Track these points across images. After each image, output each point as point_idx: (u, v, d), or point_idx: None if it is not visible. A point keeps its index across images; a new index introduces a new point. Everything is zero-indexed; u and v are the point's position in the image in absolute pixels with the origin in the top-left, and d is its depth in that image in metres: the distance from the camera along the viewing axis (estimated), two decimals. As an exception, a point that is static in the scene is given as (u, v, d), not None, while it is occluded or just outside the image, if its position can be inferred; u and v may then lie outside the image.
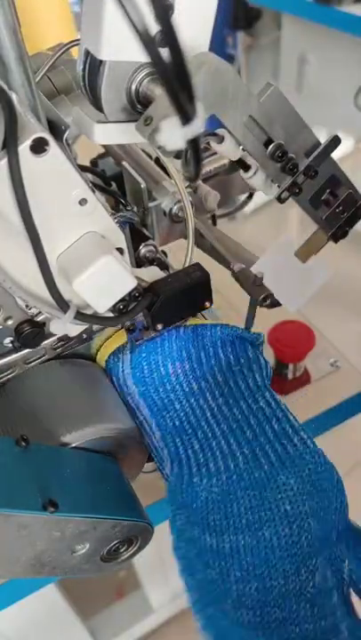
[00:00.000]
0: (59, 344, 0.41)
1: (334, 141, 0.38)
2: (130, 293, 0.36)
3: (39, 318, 0.37)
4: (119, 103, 0.34)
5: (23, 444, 0.33)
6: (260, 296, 0.43)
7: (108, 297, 0.34)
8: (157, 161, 0.50)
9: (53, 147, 0.29)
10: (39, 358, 0.40)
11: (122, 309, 0.36)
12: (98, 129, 0.35)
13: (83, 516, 0.33)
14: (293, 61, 1.72)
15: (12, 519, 0.30)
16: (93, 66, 0.33)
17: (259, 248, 0.47)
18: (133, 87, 0.33)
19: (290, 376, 0.64)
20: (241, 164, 0.39)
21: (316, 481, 0.34)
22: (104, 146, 0.55)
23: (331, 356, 0.67)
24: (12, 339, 0.38)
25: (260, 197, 0.53)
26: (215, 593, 0.31)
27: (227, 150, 0.37)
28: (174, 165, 0.46)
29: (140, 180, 0.47)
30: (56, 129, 0.33)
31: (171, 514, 0.35)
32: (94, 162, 0.55)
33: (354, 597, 0.34)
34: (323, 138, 0.38)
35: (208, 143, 0.38)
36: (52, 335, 0.39)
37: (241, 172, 0.40)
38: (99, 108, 0.34)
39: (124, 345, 0.41)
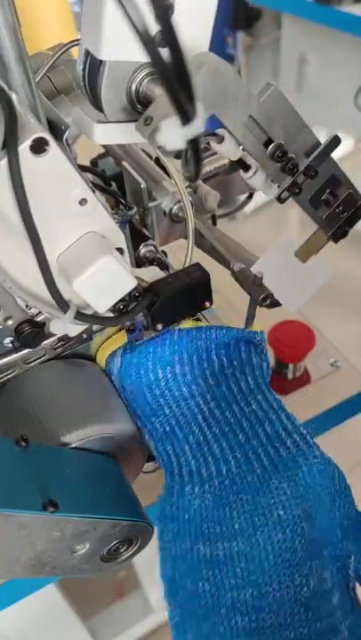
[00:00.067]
0: (59, 344, 0.41)
1: (334, 141, 0.38)
2: (130, 293, 0.36)
3: (39, 318, 0.37)
4: (119, 103, 0.34)
5: (23, 444, 0.33)
6: (260, 296, 0.43)
7: (108, 297, 0.34)
8: (157, 161, 0.50)
9: (53, 147, 0.29)
10: (39, 358, 0.40)
11: (122, 309, 0.36)
12: (98, 129, 0.35)
13: (83, 516, 0.33)
14: (293, 61, 1.71)
15: (12, 519, 0.30)
16: (93, 66, 0.33)
17: (259, 248, 0.47)
18: (133, 87, 0.33)
19: (290, 376, 0.64)
20: (241, 164, 0.39)
21: (311, 483, 0.34)
22: (104, 146, 0.55)
23: (331, 356, 0.66)
24: (11, 339, 0.38)
25: (260, 197, 0.53)
26: (202, 610, 0.32)
27: (227, 150, 0.37)
28: (174, 165, 0.46)
29: (140, 179, 0.47)
30: (56, 129, 0.33)
31: (158, 530, 0.35)
32: (94, 162, 0.55)
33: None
34: (323, 138, 0.38)
35: (208, 143, 0.38)
36: (52, 335, 0.39)
37: (241, 172, 0.40)
38: (99, 108, 0.34)
39: (121, 346, 0.41)
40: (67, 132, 0.33)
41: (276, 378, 0.63)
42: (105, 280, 0.33)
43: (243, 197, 0.60)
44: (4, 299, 0.35)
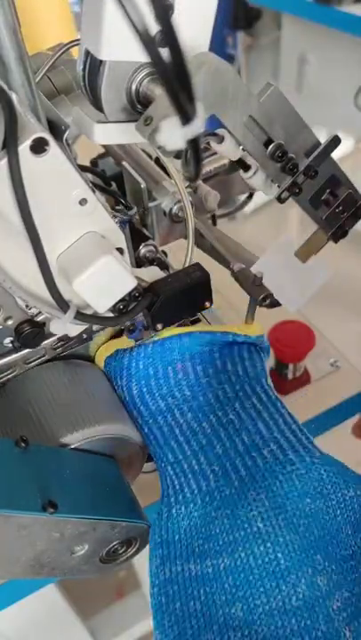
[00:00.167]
0: (59, 344, 0.41)
1: (334, 141, 0.38)
2: (130, 293, 0.36)
3: (39, 318, 0.37)
4: (119, 103, 0.34)
5: (23, 444, 0.33)
6: (260, 296, 0.43)
7: (108, 297, 0.34)
8: (157, 161, 0.50)
9: (53, 147, 0.28)
10: (39, 358, 0.40)
11: (122, 309, 0.36)
12: (98, 129, 0.35)
13: (82, 517, 0.33)
14: (293, 61, 1.71)
15: (11, 520, 0.30)
16: (93, 66, 0.32)
17: (259, 248, 0.47)
18: (133, 87, 0.33)
19: (290, 376, 0.64)
20: (241, 164, 0.39)
21: (290, 492, 0.34)
22: (104, 146, 0.54)
23: (331, 356, 0.66)
24: (12, 339, 0.38)
25: (260, 197, 0.53)
26: (194, 630, 0.32)
27: (227, 150, 0.37)
28: (174, 165, 0.46)
29: (140, 179, 0.47)
30: (56, 129, 0.33)
31: (150, 554, 0.35)
32: (94, 162, 0.55)
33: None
34: (323, 138, 0.38)
35: (208, 143, 0.38)
36: (52, 335, 0.39)
37: (241, 171, 0.40)
38: (99, 108, 0.34)
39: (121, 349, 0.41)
40: (67, 132, 0.33)
41: (276, 378, 0.63)
42: (105, 280, 0.33)
43: (243, 197, 0.60)
44: (4, 299, 0.35)
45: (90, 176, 0.52)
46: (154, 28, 0.20)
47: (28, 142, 0.28)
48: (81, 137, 0.46)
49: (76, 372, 0.41)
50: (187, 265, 0.42)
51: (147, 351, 0.41)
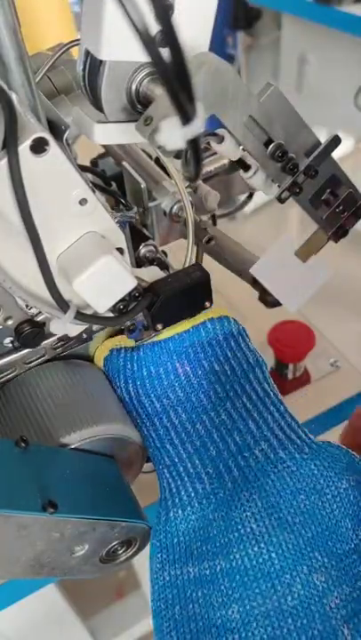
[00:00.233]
0: (59, 344, 0.41)
1: (334, 141, 0.38)
2: (130, 293, 0.36)
3: (39, 318, 0.37)
4: (119, 103, 0.34)
5: (23, 444, 0.33)
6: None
7: (108, 297, 0.34)
8: (157, 161, 0.50)
9: (53, 147, 0.28)
10: (39, 358, 0.40)
11: (122, 309, 0.36)
12: (98, 129, 0.35)
13: (82, 517, 0.33)
14: (293, 61, 1.71)
15: (11, 520, 0.30)
16: (93, 66, 0.32)
17: (259, 248, 0.47)
18: (133, 87, 0.33)
19: (290, 376, 0.64)
20: (241, 164, 0.39)
21: (282, 490, 0.34)
22: (104, 146, 0.54)
23: (331, 356, 0.66)
24: (11, 339, 0.38)
25: (260, 197, 0.53)
26: (193, 633, 0.32)
27: (227, 150, 0.37)
28: (174, 165, 0.46)
29: (140, 179, 0.47)
30: (56, 129, 0.33)
31: (150, 559, 0.35)
32: (94, 162, 0.55)
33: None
34: (323, 138, 0.38)
35: (208, 143, 0.38)
36: (52, 335, 0.39)
37: (241, 171, 0.40)
38: (99, 108, 0.34)
39: (116, 349, 0.41)
40: (67, 132, 0.33)
41: (276, 378, 0.63)
42: (105, 280, 0.33)
43: (243, 197, 0.60)
44: (4, 299, 0.35)
45: (90, 176, 0.52)
46: (154, 27, 0.20)
47: (28, 142, 0.28)
48: (81, 137, 0.46)
49: (76, 372, 0.41)
50: (187, 265, 0.42)
51: (140, 352, 0.41)
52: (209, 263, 0.48)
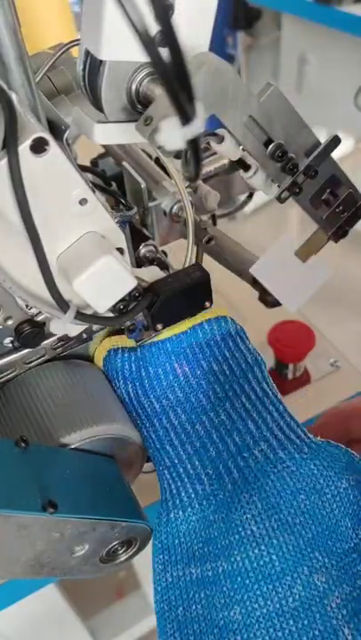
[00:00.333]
0: (59, 344, 0.41)
1: (334, 141, 0.38)
2: (130, 293, 0.36)
3: (39, 318, 0.37)
4: (119, 103, 0.34)
5: (23, 444, 0.33)
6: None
7: (108, 297, 0.34)
8: (157, 161, 0.50)
9: (53, 147, 0.28)
10: (39, 358, 0.40)
11: (122, 309, 0.36)
12: (98, 129, 0.35)
13: (82, 517, 0.33)
14: (293, 61, 1.72)
15: (11, 520, 0.30)
16: (93, 66, 0.32)
17: (259, 248, 0.47)
18: (133, 87, 0.33)
19: (290, 376, 0.64)
20: (241, 164, 0.39)
21: (283, 491, 0.34)
22: (104, 146, 0.54)
23: (331, 356, 0.66)
24: (12, 339, 0.38)
25: (260, 197, 0.53)
26: (195, 635, 0.32)
27: (227, 150, 0.37)
28: (174, 165, 0.46)
29: (140, 180, 0.47)
30: (56, 129, 0.33)
31: (152, 561, 0.35)
32: (94, 162, 0.55)
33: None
34: (323, 138, 0.38)
35: (208, 143, 0.38)
36: (52, 335, 0.39)
37: (241, 171, 0.40)
38: (99, 108, 0.34)
39: (113, 349, 0.41)
40: (67, 132, 0.33)
41: (276, 378, 0.63)
42: (105, 280, 0.33)
43: (243, 197, 0.60)
44: (4, 299, 0.35)
45: (90, 176, 0.52)
46: (154, 28, 0.20)
47: (28, 142, 0.28)
48: (81, 137, 0.46)
49: (76, 372, 0.41)
50: (187, 265, 0.42)
51: (138, 353, 0.41)
52: (209, 263, 0.48)
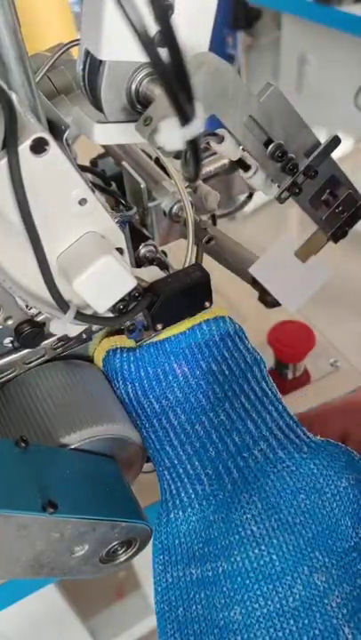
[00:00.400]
0: (59, 344, 0.41)
1: (334, 141, 0.38)
2: (130, 293, 0.36)
3: (39, 318, 0.37)
4: (119, 103, 0.34)
5: (23, 444, 0.33)
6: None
7: (108, 297, 0.34)
8: (157, 161, 0.50)
9: (53, 147, 0.28)
10: (39, 358, 0.40)
11: (122, 309, 0.36)
12: (98, 129, 0.35)
13: (82, 517, 0.33)
14: (293, 61, 1.72)
15: (11, 520, 0.30)
16: (93, 66, 0.32)
17: (259, 248, 0.47)
18: (133, 87, 0.33)
19: (290, 376, 0.64)
20: (241, 164, 0.39)
21: (285, 489, 0.34)
22: (104, 146, 0.54)
23: (331, 356, 0.67)
24: (11, 339, 0.38)
25: (260, 197, 0.53)
26: (196, 635, 0.32)
27: (227, 150, 0.37)
28: (174, 165, 0.46)
29: (140, 180, 0.47)
30: (56, 129, 0.33)
31: (152, 561, 0.35)
32: (94, 162, 0.55)
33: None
34: (323, 138, 0.38)
35: (208, 143, 0.38)
36: (51, 335, 0.39)
37: (241, 171, 0.40)
38: (99, 108, 0.34)
39: (112, 349, 0.41)
40: (67, 132, 0.33)
41: (276, 378, 0.63)
42: (105, 280, 0.33)
43: (243, 197, 0.60)
44: (4, 299, 0.35)
45: (90, 176, 0.52)
46: (153, 28, 0.20)
47: (28, 142, 0.28)
48: (81, 137, 0.46)
49: (76, 373, 0.41)
50: (187, 265, 0.42)
51: (137, 354, 0.41)
52: (209, 263, 0.48)
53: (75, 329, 0.37)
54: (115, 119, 0.34)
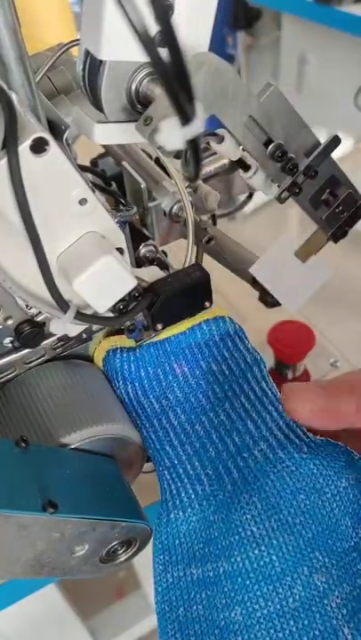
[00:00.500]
0: (59, 344, 0.41)
1: (334, 141, 0.38)
2: (130, 293, 0.36)
3: (39, 318, 0.37)
4: (119, 103, 0.34)
5: (23, 444, 0.33)
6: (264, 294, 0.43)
7: (108, 297, 0.34)
8: (157, 161, 0.50)
9: (53, 146, 0.28)
10: (39, 358, 0.40)
11: (122, 309, 0.36)
12: (98, 129, 0.35)
13: (82, 517, 0.33)
14: (293, 61, 1.72)
15: (11, 520, 0.30)
16: (93, 66, 0.33)
17: (259, 248, 0.47)
18: (133, 87, 0.33)
19: (290, 376, 0.64)
20: (241, 164, 0.39)
21: (282, 491, 0.34)
22: (104, 146, 0.55)
23: (331, 356, 0.67)
24: (11, 339, 0.38)
25: (260, 197, 0.53)
26: (197, 635, 0.32)
27: (227, 150, 0.37)
28: (174, 165, 0.46)
29: (140, 180, 0.47)
30: (56, 129, 0.33)
31: (153, 562, 0.35)
32: (94, 162, 0.55)
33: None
34: (323, 138, 0.38)
35: (208, 143, 0.38)
36: (51, 335, 0.39)
37: (241, 171, 0.40)
38: (99, 108, 0.34)
39: (112, 349, 0.41)
40: (67, 132, 0.33)
41: (276, 378, 0.64)
42: (105, 280, 0.33)
43: (243, 197, 0.60)
44: (4, 299, 0.35)
45: (90, 176, 0.52)
46: (153, 28, 0.20)
47: (28, 142, 0.28)
48: (81, 137, 0.46)
49: (76, 372, 0.41)
50: (187, 265, 0.42)
51: (137, 354, 0.41)
52: (209, 263, 0.48)
53: (75, 329, 0.37)
54: (115, 119, 0.34)
